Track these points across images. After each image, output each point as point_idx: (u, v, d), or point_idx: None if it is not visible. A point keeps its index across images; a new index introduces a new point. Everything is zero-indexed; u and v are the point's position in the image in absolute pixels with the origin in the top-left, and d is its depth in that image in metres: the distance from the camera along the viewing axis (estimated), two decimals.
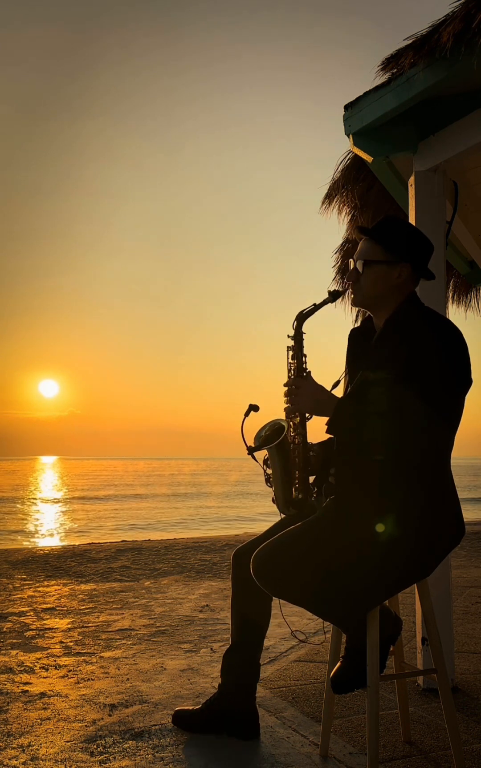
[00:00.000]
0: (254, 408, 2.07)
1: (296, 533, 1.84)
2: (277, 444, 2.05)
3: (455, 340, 1.82)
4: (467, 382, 1.80)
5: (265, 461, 2.09)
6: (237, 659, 2.21)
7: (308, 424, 2.03)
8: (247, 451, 2.08)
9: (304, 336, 2.02)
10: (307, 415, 2.01)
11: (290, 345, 2.01)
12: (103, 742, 2.18)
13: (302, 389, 1.90)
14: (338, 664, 1.86)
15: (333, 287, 2.03)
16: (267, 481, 2.10)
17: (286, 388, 1.95)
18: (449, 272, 4.43)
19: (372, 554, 1.76)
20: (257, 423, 2.14)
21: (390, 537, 1.75)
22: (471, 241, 3.92)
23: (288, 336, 2.02)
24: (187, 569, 6.02)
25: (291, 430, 2.03)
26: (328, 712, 2.10)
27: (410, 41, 2.44)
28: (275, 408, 2.06)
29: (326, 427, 1.84)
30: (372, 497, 1.79)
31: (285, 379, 1.99)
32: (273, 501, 2.12)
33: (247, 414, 2.07)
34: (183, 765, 2.01)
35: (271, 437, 2.08)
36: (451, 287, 4.66)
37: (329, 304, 1.99)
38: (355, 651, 1.83)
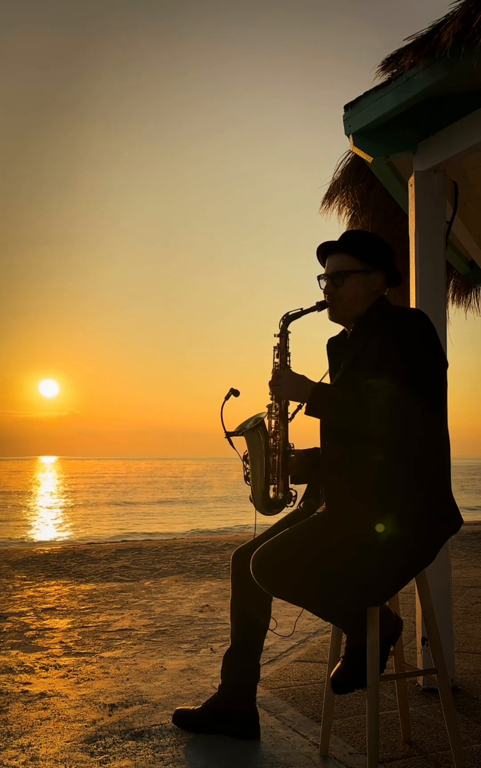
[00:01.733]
0: (234, 392, 2.08)
1: (296, 533, 1.85)
2: (254, 429, 2.05)
3: (426, 323, 1.87)
4: (445, 363, 1.87)
5: (244, 457, 2.09)
6: (237, 659, 2.22)
7: (300, 433, 2.05)
8: (224, 435, 2.09)
9: (289, 335, 2.06)
10: (289, 415, 2.04)
11: (275, 344, 2.06)
12: (103, 742, 2.18)
13: (282, 378, 1.96)
14: (338, 664, 1.87)
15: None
16: (246, 478, 2.10)
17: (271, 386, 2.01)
18: (449, 272, 4.43)
19: (371, 553, 1.77)
20: (241, 413, 2.15)
21: (389, 536, 1.75)
22: (471, 241, 3.92)
23: (274, 335, 2.06)
24: (187, 569, 6.02)
25: (272, 423, 2.06)
26: (328, 712, 2.10)
27: (410, 41, 2.44)
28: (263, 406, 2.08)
29: (305, 409, 1.89)
30: (370, 497, 1.79)
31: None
32: (250, 500, 2.11)
33: (227, 398, 2.09)
34: (183, 765, 2.01)
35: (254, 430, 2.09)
36: (451, 287, 4.66)
37: (316, 312, 2.04)
38: (355, 651, 1.84)
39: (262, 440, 2.07)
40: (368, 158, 2.81)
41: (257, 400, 2.11)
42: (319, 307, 2.02)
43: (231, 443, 2.09)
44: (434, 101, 2.65)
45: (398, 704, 2.22)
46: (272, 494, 2.07)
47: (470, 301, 4.78)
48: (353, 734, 2.22)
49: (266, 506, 2.07)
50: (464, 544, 7.33)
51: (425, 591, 1.99)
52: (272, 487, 2.07)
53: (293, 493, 2.08)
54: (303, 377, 1.94)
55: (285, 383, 1.94)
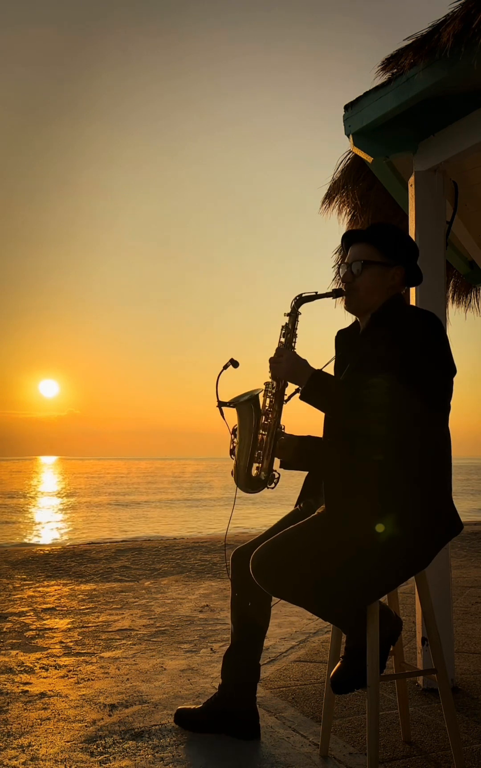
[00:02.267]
0: (233, 363, 2.06)
1: (295, 533, 1.85)
2: (247, 402, 2.03)
3: (438, 329, 1.86)
4: (453, 369, 1.86)
5: (233, 431, 2.08)
6: (237, 659, 2.22)
7: (298, 421, 2.04)
8: (216, 404, 2.07)
9: (299, 317, 2.03)
10: (286, 396, 2.02)
11: (284, 323, 2.03)
12: (103, 742, 2.18)
13: (283, 357, 1.94)
14: (338, 664, 1.87)
15: (336, 286, 2.04)
16: (231, 452, 2.07)
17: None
18: (449, 272, 4.43)
19: (371, 554, 1.77)
20: (236, 386, 2.13)
21: (389, 537, 1.75)
22: (471, 241, 3.92)
23: (284, 314, 2.03)
24: (187, 569, 6.02)
25: (267, 402, 2.03)
26: (328, 712, 2.10)
27: (410, 41, 2.43)
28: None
29: (300, 394, 1.88)
30: (371, 497, 1.79)
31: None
32: (232, 474, 2.08)
33: (225, 367, 2.06)
34: (183, 765, 2.01)
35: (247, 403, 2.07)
36: (451, 287, 4.66)
37: (330, 298, 2.02)
38: (355, 651, 1.84)
39: (253, 415, 2.04)
40: (368, 158, 2.81)
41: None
42: (334, 294, 2.00)
43: (222, 413, 2.06)
44: (434, 101, 2.65)
45: (398, 704, 2.22)
46: (254, 472, 2.05)
47: (470, 301, 4.78)
48: (353, 734, 2.22)
49: (246, 483, 2.05)
50: (464, 544, 7.33)
51: (425, 591, 1.99)
52: (255, 465, 2.05)
53: (276, 475, 2.05)
54: (304, 361, 1.93)
55: (285, 363, 1.93)
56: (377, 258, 1.98)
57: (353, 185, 3.38)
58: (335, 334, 2.14)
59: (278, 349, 1.99)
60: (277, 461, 2.08)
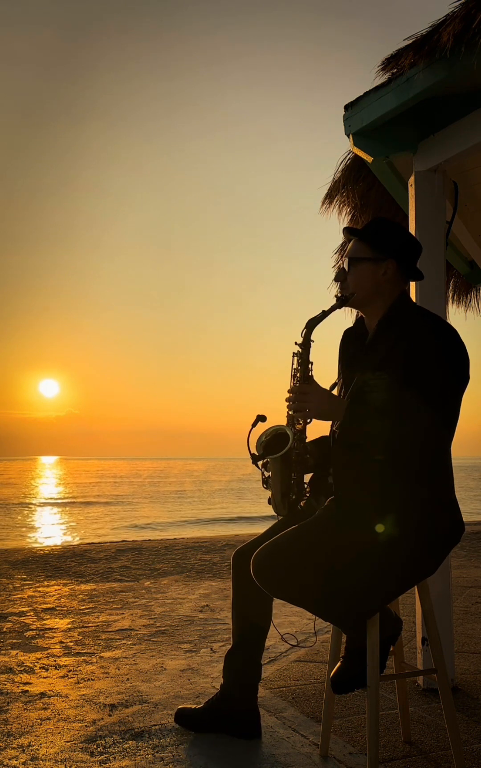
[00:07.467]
0: (261, 418, 2.08)
1: (297, 533, 1.84)
2: (282, 453, 2.05)
3: (452, 337, 1.84)
4: (465, 380, 1.82)
5: (264, 464, 2.10)
6: (238, 659, 2.22)
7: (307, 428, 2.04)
8: (251, 460, 2.09)
9: (312, 343, 2.01)
10: (308, 420, 2.01)
11: (296, 351, 2.00)
12: (103, 742, 2.18)
13: (311, 395, 1.88)
14: (338, 664, 1.87)
15: (338, 292, 2.03)
16: (264, 482, 2.10)
17: (289, 394, 1.94)
18: (449, 272, 4.43)
19: (372, 554, 1.76)
20: (258, 429, 2.14)
21: (390, 537, 1.75)
22: (471, 241, 3.92)
23: (296, 343, 2.00)
24: (187, 569, 6.02)
25: (294, 435, 2.03)
26: (328, 712, 2.10)
27: (410, 41, 2.43)
28: (277, 410, 2.07)
29: (337, 432, 1.86)
30: (373, 497, 1.79)
31: (287, 382, 1.99)
32: (269, 502, 2.12)
33: (254, 425, 2.08)
34: (183, 765, 2.01)
35: (271, 443, 2.08)
36: (451, 287, 4.65)
37: (338, 309, 1.99)
38: (355, 651, 1.83)
39: (285, 455, 2.06)
40: (368, 158, 2.81)
41: (256, 399, 2.10)
42: (339, 303, 1.98)
43: (258, 466, 2.09)
44: (434, 101, 2.65)
45: (398, 704, 2.22)
46: (292, 497, 2.07)
47: (470, 301, 4.78)
48: (353, 734, 2.22)
49: (283, 509, 2.08)
50: (464, 544, 7.33)
51: (425, 591, 1.99)
52: (289, 489, 2.08)
53: (308, 490, 2.08)
54: (331, 394, 1.88)
55: (314, 401, 1.87)
56: (367, 254, 1.97)
57: (353, 185, 3.38)
58: (342, 331, 2.13)
59: (301, 387, 1.91)
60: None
